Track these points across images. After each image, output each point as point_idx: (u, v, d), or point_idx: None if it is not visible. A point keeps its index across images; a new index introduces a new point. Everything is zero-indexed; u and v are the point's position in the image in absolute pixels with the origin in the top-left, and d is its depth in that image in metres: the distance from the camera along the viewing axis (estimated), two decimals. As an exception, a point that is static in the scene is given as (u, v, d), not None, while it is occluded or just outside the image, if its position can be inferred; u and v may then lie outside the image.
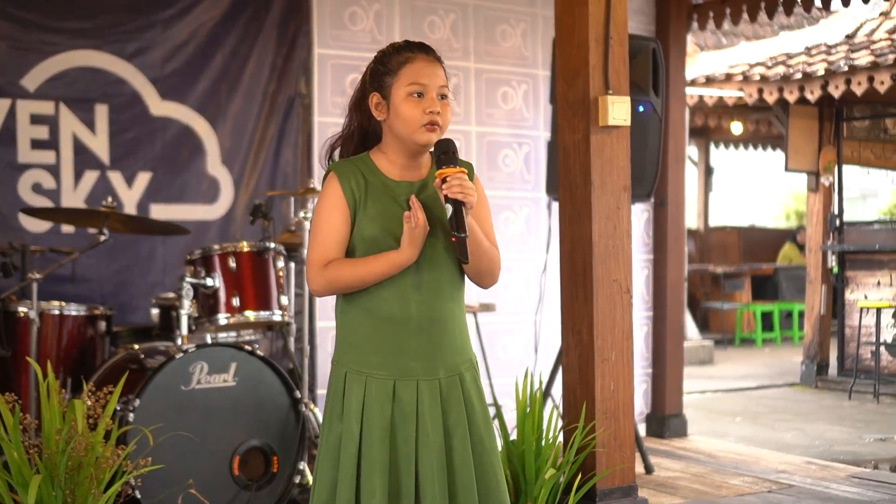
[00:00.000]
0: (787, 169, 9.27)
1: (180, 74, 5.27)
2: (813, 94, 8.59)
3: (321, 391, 5.32)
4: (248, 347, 4.29)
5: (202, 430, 4.11)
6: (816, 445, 6.49)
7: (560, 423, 4.26)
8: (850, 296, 9.01)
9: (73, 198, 5.04)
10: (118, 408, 3.96)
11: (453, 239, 2.43)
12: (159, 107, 5.24)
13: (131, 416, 3.94)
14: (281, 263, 4.50)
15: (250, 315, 4.38)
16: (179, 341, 4.25)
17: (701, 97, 10.52)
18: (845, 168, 9.30)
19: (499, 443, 3.14)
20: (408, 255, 2.46)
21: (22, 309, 4.31)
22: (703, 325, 12.98)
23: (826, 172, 9.16)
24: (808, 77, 8.59)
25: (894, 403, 8.15)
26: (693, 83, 9.43)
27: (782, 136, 9.63)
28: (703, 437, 6.42)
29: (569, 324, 4.30)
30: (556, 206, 5.62)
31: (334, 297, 2.62)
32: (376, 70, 2.56)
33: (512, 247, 5.85)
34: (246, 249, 4.40)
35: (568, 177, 4.29)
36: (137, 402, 3.98)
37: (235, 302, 4.35)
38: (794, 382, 9.33)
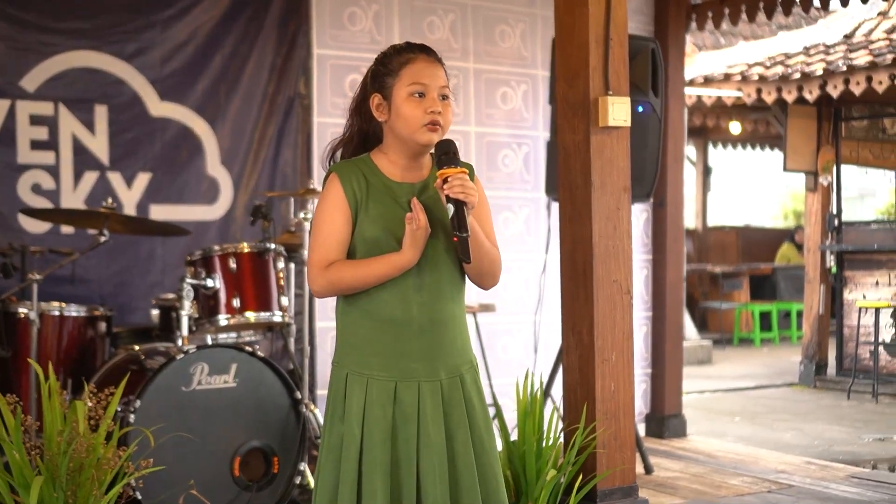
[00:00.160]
0: (785, 169, 9.28)
1: (180, 75, 5.27)
2: (811, 94, 8.60)
3: (321, 392, 5.32)
4: (248, 348, 4.28)
5: (203, 431, 4.10)
6: (815, 445, 6.49)
7: (560, 424, 4.26)
8: (848, 295, 9.02)
9: (73, 198, 5.04)
10: (119, 409, 3.95)
11: (455, 239, 2.43)
12: (159, 107, 5.23)
13: (132, 417, 3.93)
14: (281, 264, 4.50)
15: (251, 316, 4.38)
16: (180, 342, 4.25)
17: (699, 97, 10.53)
18: (843, 168, 9.31)
19: (498, 443, 3.15)
20: (409, 257, 2.46)
21: (22, 310, 4.31)
22: (702, 325, 13.00)
23: (824, 172, 9.17)
24: (806, 77, 8.60)
25: (893, 403, 8.16)
26: (691, 83, 9.43)
27: (780, 135, 9.64)
28: (702, 438, 6.42)
29: (569, 324, 4.30)
30: (555, 206, 5.62)
31: (334, 298, 2.62)
32: (377, 71, 2.57)
33: (511, 247, 5.85)
34: (246, 250, 4.40)
35: (568, 177, 4.29)
36: (138, 403, 3.97)
37: (236, 303, 4.35)
38: (792, 382, 9.34)
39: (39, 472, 3.34)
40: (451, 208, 2.42)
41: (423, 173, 2.59)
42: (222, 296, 4.35)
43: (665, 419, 6.30)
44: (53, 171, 5.02)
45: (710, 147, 14.58)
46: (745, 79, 9.22)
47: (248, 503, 4.20)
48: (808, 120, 9.17)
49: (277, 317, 4.45)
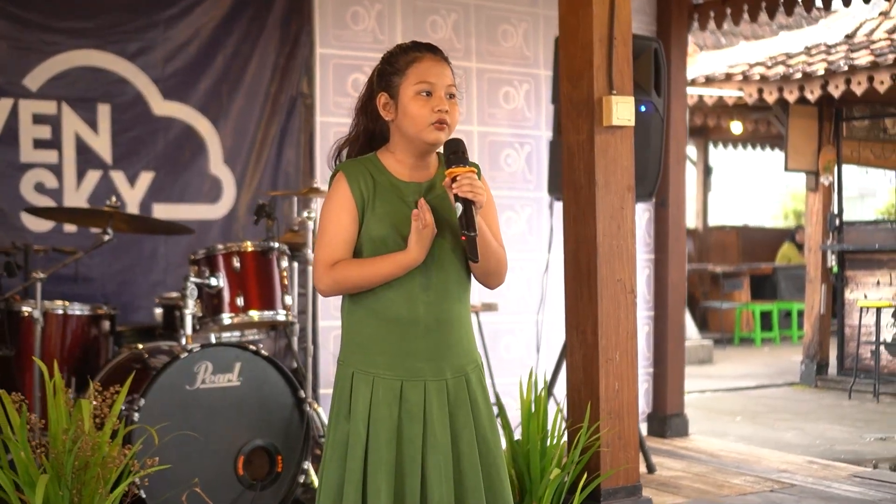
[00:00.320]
0: (786, 169, 9.29)
1: (182, 74, 5.27)
2: (813, 94, 8.61)
3: (324, 391, 5.32)
4: (252, 347, 4.29)
5: (206, 430, 4.10)
6: (817, 445, 6.50)
7: (563, 423, 4.26)
8: (849, 295, 9.02)
9: (76, 197, 5.04)
10: (123, 407, 3.95)
11: (463, 238, 2.43)
12: (161, 106, 5.23)
13: (136, 416, 3.93)
14: (285, 263, 4.50)
15: (254, 315, 4.38)
16: (184, 341, 4.25)
17: (700, 97, 10.53)
18: (844, 168, 9.31)
19: (502, 442, 3.15)
20: (414, 256, 2.46)
21: (26, 308, 4.31)
22: (702, 325, 13.00)
23: (825, 172, 9.17)
24: (807, 77, 8.60)
25: (894, 403, 8.16)
26: (693, 83, 9.44)
27: (781, 135, 9.64)
28: (703, 437, 6.42)
29: (573, 323, 4.30)
30: (557, 205, 5.63)
31: (338, 297, 2.62)
32: (383, 70, 2.57)
33: (514, 246, 5.82)
34: (250, 249, 4.40)
35: (572, 177, 4.29)
36: (142, 402, 3.97)
37: (239, 301, 4.35)
38: (793, 382, 9.35)
39: (44, 470, 3.34)
40: (459, 207, 2.42)
41: (430, 172, 2.59)
42: (226, 294, 4.35)
43: (667, 418, 6.31)
44: (56, 170, 5.02)
45: (711, 147, 14.59)
46: (746, 79, 9.23)
47: (252, 502, 4.20)
48: (809, 120, 9.17)
49: (281, 315, 4.45)
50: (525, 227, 6.06)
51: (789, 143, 9.11)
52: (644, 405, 6.30)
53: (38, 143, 4.99)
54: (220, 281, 4.34)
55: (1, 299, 4.33)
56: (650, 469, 5.30)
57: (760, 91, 9.08)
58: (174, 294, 4.70)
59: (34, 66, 4.96)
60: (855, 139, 9.38)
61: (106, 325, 4.59)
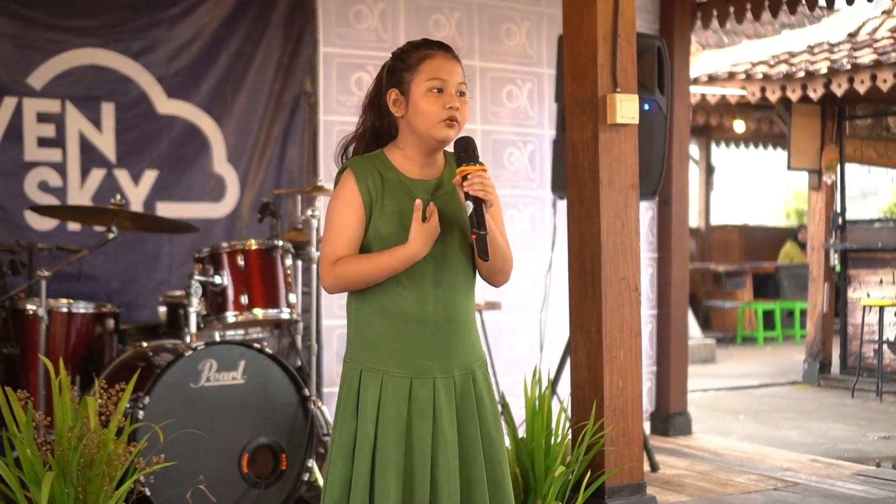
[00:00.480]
0: (789, 167, 9.28)
1: (186, 73, 5.27)
2: (816, 93, 8.60)
3: (327, 389, 5.32)
4: (256, 345, 4.29)
5: (211, 428, 4.10)
6: (820, 443, 6.50)
7: (567, 421, 4.26)
8: (852, 294, 9.03)
9: (80, 196, 5.04)
10: (128, 405, 3.95)
11: (473, 236, 2.43)
12: (165, 105, 5.23)
13: (141, 414, 3.94)
14: (289, 261, 4.51)
15: (258, 313, 4.38)
16: (188, 339, 4.25)
17: (703, 96, 10.53)
18: (846, 166, 9.31)
19: (506, 440, 3.15)
20: (413, 249, 2.45)
21: (30, 307, 4.31)
22: (705, 324, 13.00)
23: (828, 171, 9.17)
24: (810, 75, 8.60)
25: (897, 401, 8.17)
26: (695, 82, 9.44)
27: (783, 134, 9.64)
28: (707, 435, 6.42)
29: (577, 322, 4.30)
30: (561, 204, 5.63)
31: (344, 296, 2.62)
32: (394, 67, 2.56)
33: (517, 245, 5.82)
34: (254, 247, 4.40)
35: (576, 175, 4.29)
36: (147, 400, 3.98)
37: (244, 300, 4.35)
38: (796, 381, 9.35)
39: (50, 467, 3.34)
40: (469, 206, 2.42)
41: (438, 170, 2.60)
42: (230, 293, 4.36)
43: (670, 417, 6.31)
44: (60, 168, 5.02)
45: (714, 145, 14.58)
46: (749, 77, 9.22)
47: (256, 500, 4.20)
48: (811, 118, 9.17)
49: (285, 314, 4.45)
50: (528, 226, 6.06)
51: (792, 141, 9.11)
52: (647, 404, 6.31)
53: (42, 142, 4.99)
54: (224, 279, 4.34)
55: (6, 297, 4.34)
56: (654, 467, 5.30)
57: (763, 90, 9.08)
58: (178, 292, 4.70)
59: (38, 64, 4.96)
60: (858, 138, 9.39)
61: (110, 323, 4.59)
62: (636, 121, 4.25)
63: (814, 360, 9.21)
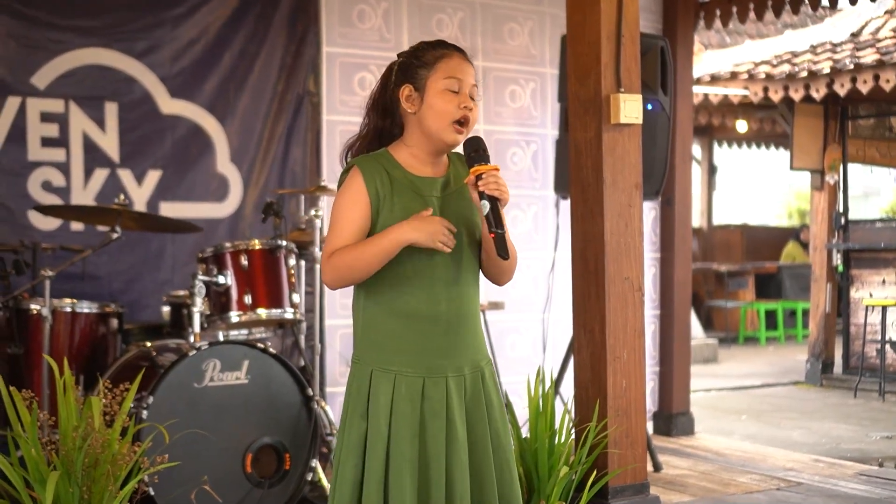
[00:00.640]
0: (792, 167, 9.28)
1: (189, 72, 5.28)
2: (818, 93, 8.60)
3: (330, 389, 5.33)
4: (260, 345, 4.29)
5: (215, 428, 4.10)
6: (823, 443, 6.49)
7: (571, 421, 4.27)
8: (855, 294, 9.02)
9: (83, 196, 5.04)
10: (132, 405, 3.95)
11: (492, 235, 2.43)
12: (169, 105, 5.24)
13: (145, 414, 3.94)
14: (292, 261, 4.51)
15: (262, 313, 4.38)
16: (192, 339, 4.25)
17: (706, 96, 10.53)
18: (849, 166, 9.31)
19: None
20: (406, 230, 2.41)
21: (34, 306, 4.32)
22: (707, 324, 12.99)
23: (831, 171, 9.17)
24: (813, 75, 8.59)
25: (900, 401, 8.17)
26: (698, 82, 9.43)
27: (785, 134, 9.63)
28: (709, 435, 6.43)
29: (581, 322, 4.30)
30: (563, 203, 5.64)
31: (349, 297, 2.61)
32: (408, 63, 2.56)
33: (520, 245, 5.73)
34: (258, 247, 4.40)
35: (580, 175, 4.29)
36: (151, 400, 3.98)
37: (247, 300, 4.35)
38: (798, 381, 9.34)
39: (55, 467, 3.35)
40: (486, 205, 2.42)
41: (444, 168, 2.60)
42: (234, 293, 4.36)
43: (673, 417, 6.31)
44: (64, 168, 5.03)
45: (716, 145, 14.58)
46: (751, 77, 9.22)
47: (260, 500, 4.20)
48: (814, 118, 9.16)
49: (289, 314, 4.45)
50: (531, 226, 6.06)
51: (794, 141, 9.10)
52: (650, 404, 6.31)
53: (46, 142, 4.99)
54: (227, 279, 4.35)
55: (10, 297, 4.34)
56: (656, 467, 5.30)
57: (766, 90, 9.07)
58: (182, 292, 4.70)
59: (42, 64, 4.97)
60: (860, 138, 9.38)
61: (114, 322, 4.60)
62: (640, 121, 4.25)
63: (816, 360, 9.21)
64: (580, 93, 4.29)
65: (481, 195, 2.43)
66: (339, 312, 5.37)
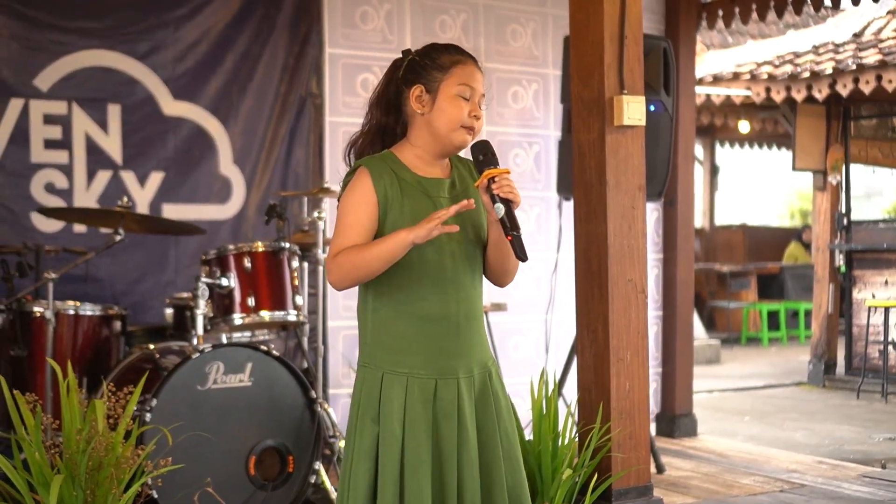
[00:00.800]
0: (794, 168, 9.27)
1: (192, 74, 5.28)
2: (821, 93, 8.59)
3: (333, 390, 5.33)
4: (263, 347, 4.28)
5: (218, 430, 4.10)
6: (826, 445, 6.49)
7: (574, 423, 4.26)
8: (857, 295, 9.01)
9: (86, 197, 5.05)
10: (135, 408, 3.95)
11: (509, 238, 2.43)
12: (172, 106, 5.24)
13: (148, 416, 3.94)
14: (295, 263, 4.50)
15: (265, 315, 4.38)
16: (195, 341, 4.25)
17: (708, 96, 10.52)
18: (851, 167, 9.30)
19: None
20: (414, 237, 2.39)
21: (38, 309, 4.32)
22: (709, 324, 12.98)
23: (833, 171, 9.16)
24: (816, 76, 8.59)
25: (903, 402, 8.16)
26: (700, 82, 9.42)
27: (787, 134, 9.62)
28: (712, 437, 6.42)
29: (584, 323, 4.30)
30: (566, 205, 5.64)
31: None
32: (421, 64, 2.55)
33: (523, 246, 5.83)
34: (261, 249, 4.40)
35: (583, 176, 4.29)
36: (154, 402, 3.97)
37: (251, 302, 4.35)
38: (801, 381, 9.33)
39: (58, 470, 3.34)
40: (500, 209, 2.42)
41: (447, 169, 2.61)
42: (237, 295, 4.35)
43: (676, 418, 6.30)
44: (67, 170, 5.03)
45: (718, 146, 14.57)
46: (754, 77, 9.21)
47: (263, 502, 4.20)
48: (817, 119, 9.16)
49: (292, 316, 4.45)
50: (534, 227, 6.05)
51: (797, 142, 9.10)
52: (653, 405, 6.30)
53: (49, 144, 5.00)
54: (231, 281, 4.34)
55: (13, 300, 4.34)
56: (659, 469, 5.30)
57: (768, 90, 9.06)
58: (185, 294, 4.70)
59: (45, 66, 4.97)
60: (863, 138, 9.37)
61: (117, 325, 4.60)
62: (643, 122, 4.24)
63: (819, 361, 9.20)
64: (583, 94, 4.29)
65: (494, 199, 2.43)
66: (341, 314, 5.37)
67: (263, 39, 5.41)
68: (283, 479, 4.26)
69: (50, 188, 4.99)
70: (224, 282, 4.33)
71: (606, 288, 4.19)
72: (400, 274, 2.47)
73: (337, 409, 5.29)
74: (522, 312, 5.96)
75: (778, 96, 8.98)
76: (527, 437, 4.17)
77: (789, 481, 5.18)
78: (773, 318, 12.95)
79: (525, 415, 4.39)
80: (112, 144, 5.11)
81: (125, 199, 4.48)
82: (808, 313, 12.12)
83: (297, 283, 4.49)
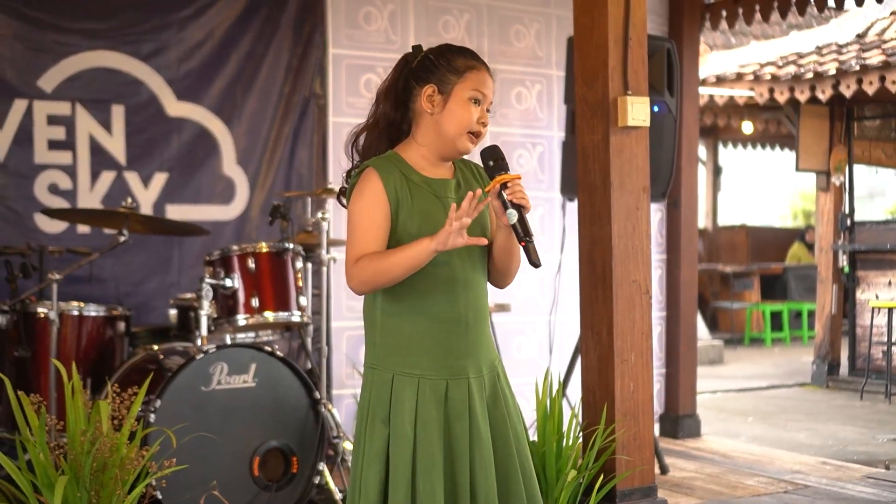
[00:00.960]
0: (797, 169, 9.27)
1: (196, 75, 5.28)
2: (824, 94, 8.59)
3: (336, 391, 5.32)
4: (267, 348, 4.28)
5: (222, 431, 4.10)
6: (830, 445, 6.48)
7: (578, 424, 4.26)
8: (861, 295, 9.01)
9: (90, 198, 5.05)
10: (139, 409, 3.95)
11: (522, 244, 2.44)
12: (175, 107, 5.24)
13: (152, 417, 3.94)
14: (299, 264, 4.50)
15: (269, 316, 4.38)
16: (199, 342, 4.25)
17: (711, 97, 10.52)
18: (854, 167, 9.29)
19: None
20: (435, 246, 2.39)
21: (42, 310, 4.32)
22: (713, 325, 12.98)
23: (836, 172, 9.15)
24: (819, 76, 8.58)
25: (906, 403, 8.15)
26: (703, 83, 9.42)
27: (790, 135, 9.62)
28: (716, 438, 6.42)
29: (588, 324, 4.29)
30: (570, 206, 5.64)
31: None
32: (436, 64, 2.55)
33: (526, 247, 5.83)
34: (265, 250, 4.40)
35: (587, 178, 4.29)
36: (158, 403, 3.98)
37: (254, 303, 4.34)
38: (804, 382, 9.33)
39: (63, 471, 3.34)
40: (513, 215, 2.43)
41: (451, 170, 2.62)
42: (241, 296, 4.35)
43: (679, 419, 6.30)
44: (70, 171, 5.03)
45: (721, 146, 14.57)
46: (757, 78, 9.21)
47: (267, 503, 4.20)
48: (820, 120, 9.16)
49: (296, 317, 4.45)
50: (537, 228, 6.05)
51: (800, 143, 9.10)
52: (656, 405, 6.29)
53: (53, 145, 5.00)
54: (235, 282, 4.34)
55: (17, 301, 4.34)
56: (663, 470, 5.30)
57: (771, 91, 9.06)
58: (189, 295, 4.70)
59: (49, 67, 4.97)
60: (866, 139, 9.36)
61: (121, 326, 4.59)
62: (647, 123, 4.24)
63: (822, 362, 9.20)
64: (587, 96, 4.28)
65: (505, 204, 2.44)
66: (345, 315, 5.37)
67: (267, 40, 5.41)
68: (287, 479, 4.26)
69: (54, 189, 4.99)
70: (228, 282, 4.33)
71: (611, 289, 4.19)
72: (410, 275, 2.47)
73: (341, 409, 5.29)
74: (526, 313, 5.96)
75: (781, 97, 8.98)
76: (531, 438, 4.18)
77: (793, 482, 5.18)
78: (776, 318, 12.94)
79: (528, 415, 4.39)
80: (116, 145, 5.11)
81: (129, 199, 4.47)
82: (811, 314, 12.11)
83: (300, 283, 4.49)
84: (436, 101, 2.54)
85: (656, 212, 6.30)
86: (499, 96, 5.78)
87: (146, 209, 5.13)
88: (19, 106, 4.92)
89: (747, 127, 11.95)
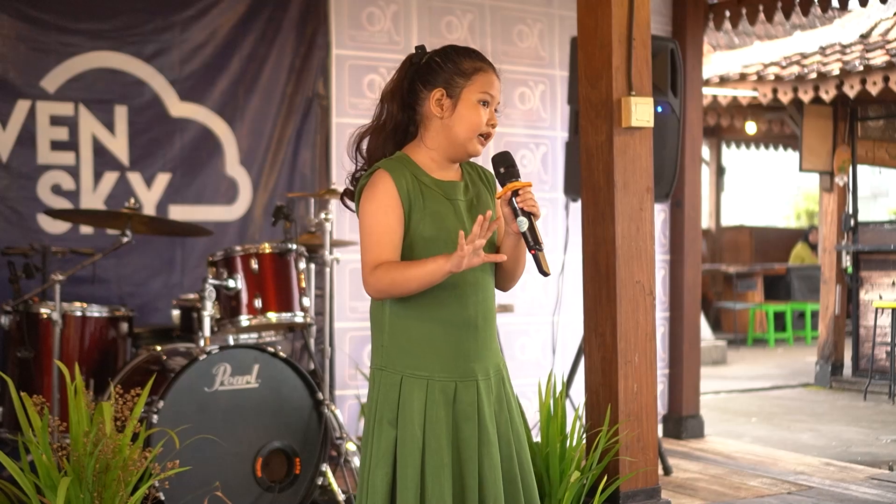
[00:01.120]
0: (801, 169, 9.26)
1: (199, 75, 5.28)
2: (828, 94, 8.58)
3: (339, 392, 5.32)
4: (270, 349, 4.28)
5: (225, 432, 4.10)
6: (833, 446, 6.47)
7: (582, 426, 4.25)
8: (864, 296, 8.99)
9: (93, 199, 5.04)
10: (142, 409, 3.95)
11: (532, 253, 2.44)
12: (178, 108, 5.24)
13: (155, 418, 3.93)
14: (302, 265, 4.50)
15: (272, 316, 4.38)
16: (202, 343, 4.25)
17: (714, 97, 10.51)
18: (858, 168, 9.28)
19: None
20: (450, 268, 2.40)
21: (44, 310, 4.32)
22: (716, 325, 12.97)
23: (840, 172, 9.14)
24: (823, 77, 8.57)
25: (910, 404, 8.14)
26: (707, 83, 9.41)
27: (794, 135, 9.61)
28: (720, 438, 6.41)
29: (592, 325, 4.28)
30: (573, 206, 5.63)
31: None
32: (444, 68, 2.54)
33: (529, 248, 5.82)
34: (268, 251, 4.40)
35: (591, 178, 4.28)
36: (161, 404, 3.97)
37: (257, 303, 4.34)
38: (808, 383, 9.32)
39: (65, 472, 3.34)
40: (524, 222, 2.43)
41: (459, 173, 2.62)
42: (244, 296, 4.35)
43: (683, 420, 6.29)
44: (73, 171, 5.03)
45: (724, 147, 14.56)
46: (760, 78, 9.20)
47: (270, 504, 4.20)
48: (824, 120, 9.15)
49: (299, 317, 4.45)
50: (541, 228, 6.02)
51: (804, 143, 9.08)
52: (660, 406, 6.29)
53: (56, 145, 5.00)
54: (238, 283, 4.34)
55: (20, 301, 4.34)
56: (667, 471, 5.29)
57: (775, 91, 9.05)
58: (192, 296, 4.70)
59: (52, 67, 4.97)
60: (870, 139, 9.35)
61: (124, 326, 4.59)
62: (651, 124, 4.23)
63: (825, 363, 9.18)
64: (591, 96, 4.27)
65: (516, 212, 2.44)
66: (348, 315, 5.37)
67: (270, 41, 5.41)
68: (290, 480, 4.26)
69: (57, 189, 4.99)
70: (231, 283, 4.33)
71: (615, 290, 4.18)
72: None
73: (344, 410, 5.29)
74: (529, 314, 5.95)
75: (785, 97, 8.97)
76: (534, 440, 4.17)
77: (797, 483, 5.17)
78: (779, 319, 12.93)
79: (532, 416, 4.39)
80: (119, 146, 5.11)
81: (132, 200, 4.47)
82: (814, 314, 12.09)
83: (303, 284, 4.48)
84: (445, 106, 2.53)
85: (660, 212, 6.29)
86: (502, 96, 5.78)
87: (149, 210, 5.13)
88: (22, 106, 4.92)
89: (751, 127, 11.93)
